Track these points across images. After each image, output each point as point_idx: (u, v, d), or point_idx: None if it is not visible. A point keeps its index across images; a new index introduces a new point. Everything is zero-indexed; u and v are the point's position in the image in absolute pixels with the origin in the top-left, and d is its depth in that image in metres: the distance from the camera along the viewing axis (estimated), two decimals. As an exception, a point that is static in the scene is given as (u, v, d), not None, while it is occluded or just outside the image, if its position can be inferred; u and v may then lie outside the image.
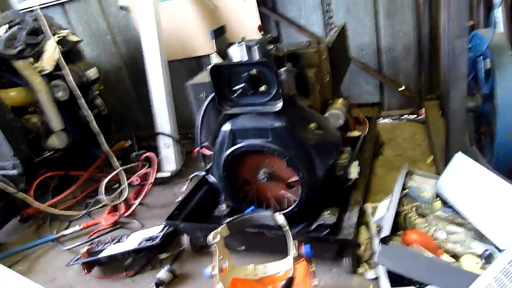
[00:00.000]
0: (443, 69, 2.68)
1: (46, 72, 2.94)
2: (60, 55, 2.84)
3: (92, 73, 3.15)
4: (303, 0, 3.13)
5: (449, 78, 1.95)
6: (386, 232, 1.56)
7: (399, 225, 1.79)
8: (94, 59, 3.79)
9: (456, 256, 1.65)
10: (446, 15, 1.87)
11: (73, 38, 3.16)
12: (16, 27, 2.89)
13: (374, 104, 3.00)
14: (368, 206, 2.08)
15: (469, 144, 2.44)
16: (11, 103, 2.86)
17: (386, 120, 3.38)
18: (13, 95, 2.90)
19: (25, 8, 3.56)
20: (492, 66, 2.04)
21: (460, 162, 1.89)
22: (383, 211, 1.85)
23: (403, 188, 1.97)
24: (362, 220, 2.09)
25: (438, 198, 1.95)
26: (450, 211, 1.84)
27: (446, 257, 1.63)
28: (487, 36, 2.03)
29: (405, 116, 3.35)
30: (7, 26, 2.89)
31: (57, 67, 3.00)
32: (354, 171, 2.05)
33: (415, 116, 3.30)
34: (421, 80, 3.19)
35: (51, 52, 2.90)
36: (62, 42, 3.01)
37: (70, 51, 3.12)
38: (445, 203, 1.91)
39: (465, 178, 1.83)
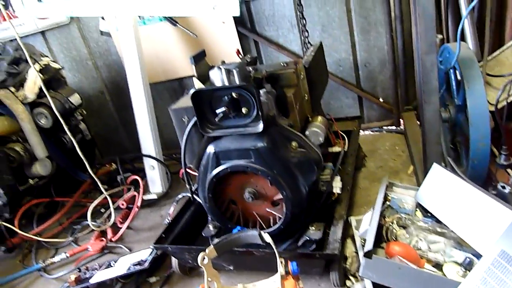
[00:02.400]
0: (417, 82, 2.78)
1: (29, 100, 2.95)
2: (42, 84, 2.84)
3: (74, 99, 3.16)
4: (280, 20, 3.22)
5: (422, 93, 2.03)
6: (368, 246, 1.61)
7: (382, 237, 1.84)
8: (76, 84, 3.81)
9: (438, 265, 1.70)
10: (415, 33, 1.96)
11: (55, 66, 3.17)
12: (-3, 58, 2.91)
13: (354, 117, 3.08)
14: (353, 220, 2.13)
15: (446, 154, 2.53)
16: (-6, 133, 2.86)
17: (367, 133, 3.46)
18: (-5, 125, 2.90)
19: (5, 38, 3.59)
20: (461, 79, 2.13)
21: (437, 172, 1.96)
22: (367, 224, 1.90)
23: (385, 201, 2.02)
24: (347, 233, 2.14)
25: (418, 209, 2.01)
26: (430, 221, 1.90)
27: (428, 267, 1.68)
28: (454, 50, 2.13)
29: (385, 127, 3.45)
30: (-12, 57, 2.91)
31: (39, 94, 3.01)
32: (336, 186, 2.10)
33: (395, 127, 3.40)
34: (398, 92, 3.30)
35: (33, 81, 2.91)
36: (44, 70, 3.02)
37: (52, 79, 3.13)
38: (425, 213, 1.97)
39: (442, 188, 1.90)
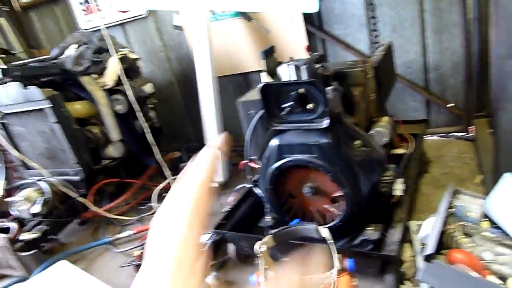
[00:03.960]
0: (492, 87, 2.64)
1: (107, 87, 3.21)
2: (121, 72, 3.08)
3: (148, 88, 3.38)
4: (350, 19, 3.20)
5: (497, 99, 1.94)
6: (430, 249, 1.58)
7: (444, 244, 1.79)
8: (148, 74, 4.05)
9: (502, 278, 1.63)
10: (495, 35, 1.87)
11: (132, 56, 3.42)
12: (84, 46, 3.19)
13: (421, 121, 2.99)
14: (413, 224, 2.09)
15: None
16: (76, 115, 3.14)
17: (433, 137, 3.34)
18: (78, 107, 3.18)
19: (91, 28, 3.92)
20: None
21: (509, 183, 1.87)
22: (427, 229, 1.86)
23: (449, 207, 1.96)
24: (406, 237, 2.10)
25: (486, 219, 1.92)
26: (498, 232, 1.82)
27: (492, 278, 1.61)
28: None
29: (453, 133, 3.30)
30: (76, 45, 3.20)
31: (117, 82, 3.26)
32: (398, 188, 2.07)
33: (463, 133, 3.25)
34: (470, 98, 3.14)
35: (114, 69, 3.16)
36: (122, 59, 3.27)
37: (129, 68, 3.37)
38: (493, 224, 1.89)
39: (514, 199, 1.81)
